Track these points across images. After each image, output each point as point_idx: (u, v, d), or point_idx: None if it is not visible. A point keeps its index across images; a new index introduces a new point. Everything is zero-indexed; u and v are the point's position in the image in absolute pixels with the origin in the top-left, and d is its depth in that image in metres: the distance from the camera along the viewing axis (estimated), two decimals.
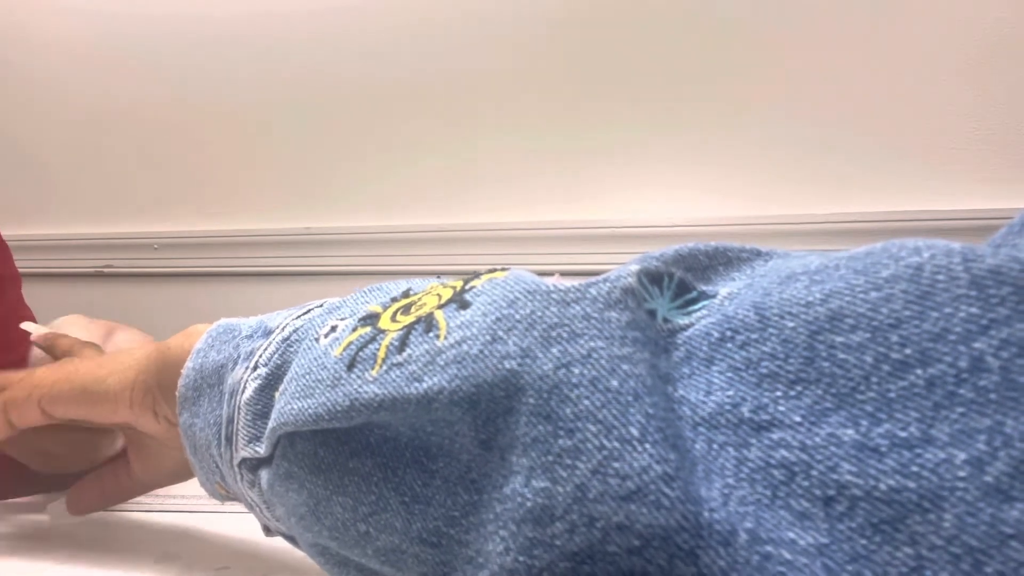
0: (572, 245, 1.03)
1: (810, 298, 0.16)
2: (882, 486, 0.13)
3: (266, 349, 0.25)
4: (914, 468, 0.13)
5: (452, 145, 1.08)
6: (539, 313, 0.18)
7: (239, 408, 0.24)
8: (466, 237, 1.06)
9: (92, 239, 1.20)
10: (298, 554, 0.24)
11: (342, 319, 0.23)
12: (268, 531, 0.27)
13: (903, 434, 0.14)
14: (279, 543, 0.26)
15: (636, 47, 1.02)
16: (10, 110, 1.23)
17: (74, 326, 0.41)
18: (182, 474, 0.34)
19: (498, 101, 1.06)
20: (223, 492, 0.27)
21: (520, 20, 1.04)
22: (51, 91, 1.21)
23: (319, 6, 1.10)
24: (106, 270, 1.19)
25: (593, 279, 0.19)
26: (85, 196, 1.21)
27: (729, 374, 0.16)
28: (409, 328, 0.20)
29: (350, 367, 0.20)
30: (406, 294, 0.23)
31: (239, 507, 0.27)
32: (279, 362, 0.24)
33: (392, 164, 1.10)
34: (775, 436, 0.15)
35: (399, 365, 0.19)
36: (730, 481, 0.15)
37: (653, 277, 0.19)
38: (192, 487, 0.29)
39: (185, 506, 0.39)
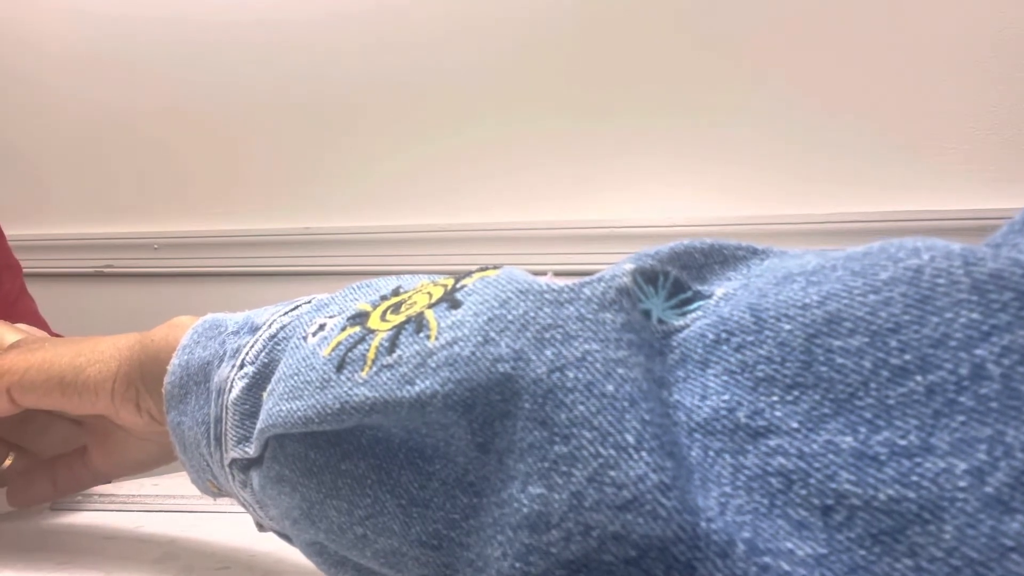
0: (572, 245, 1.03)
1: (807, 300, 0.16)
2: (881, 496, 0.13)
3: (252, 346, 0.24)
4: (914, 478, 0.13)
5: (451, 145, 1.08)
6: (532, 314, 0.18)
7: (226, 408, 0.24)
8: (466, 237, 1.06)
9: (92, 239, 1.20)
10: (298, 554, 0.23)
11: (330, 317, 0.22)
12: (261, 527, 0.26)
13: (902, 442, 0.13)
14: (279, 543, 0.26)
15: (634, 47, 1.02)
16: (11, 111, 1.23)
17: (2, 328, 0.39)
18: (148, 464, 0.34)
19: (497, 102, 1.06)
20: (215, 490, 0.27)
21: (518, 21, 1.04)
22: (52, 92, 1.21)
23: (318, 10, 1.10)
24: (106, 270, 1.19)
25: (587, 278, 0.18)
26: (85, 196, 1.21)
27: (724, 377, 0.16)
28: (399, 328, 0.19)
29: (339, 368, 0.19)
30: (396, 292, 0.22)
31: (239, 507, 0.27)
32: (266, 360, 0.23)
33: (391, 164, 1.10)
34: (772, 443, 0.15)
35: (390, 367, 0.18)
36: (727, 490, 0.15)
37: (648, 276, 0.18)
38: (191, 486, 0.29)
39: (185, 506, 0.39)
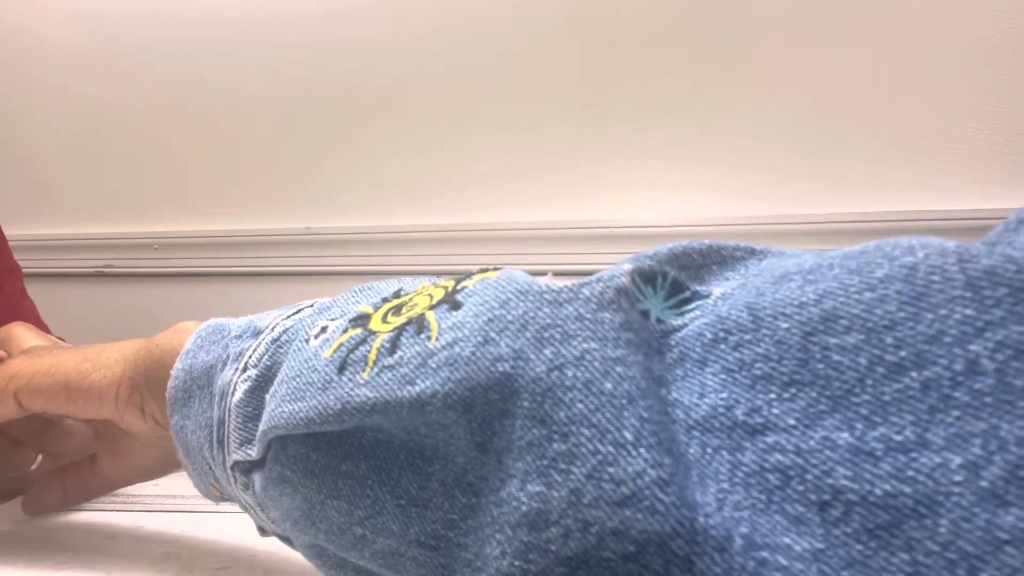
0: (572, 245, 1.03)
1: (804, 298, 0.16)
2: (877, 491, 0.13)
3: (255, 350, 0.24)
4: (909, 473, 0.13)
5: (451, 145, 1.08)
6: (531, 314, 0.18)
7: (229, 410, 0.24)
8: (465, 237, 1.06)
9: (92, 239, 1.20)
10: (299, 555, 0.24)
11: (332, 319, 0.23)
12: (263, 531, 0.27)
13: (898, 438, 0.14)
14: (280, 543, 0.26)
15: (635, 47, 1.02)
16: (11, 111, 1.23)
17: (26, 331, 0.39)
18: (155, 471, 0.34)
19: (497, 102, 1.06)
20: (217, 494, 0.27)
21: (517, 22, 1.04)
22: (52, 92, 1.21)
23: (318, 9, 1.10)
24: (106, 270, 1.20)
25: (586, 279, 0.18)
26: (85, 196, 1.21)
27: (722, 376, 0.16)
28: (400, 329, 0.20)
29: (341, 369, 0.20)
30: (397, 294, 0.23)
31: (238, 507, 0.27)
32: (269, 363, 0.24)
33: (391, 164, 1.10)
34: (769, 440, 0.15)
35: (391, 367, 0.19)
36: (724, 486, 0.15)
37: (646, 277, 0.18)
38: (192, 487, 0.29)
39: (185, 506, 0.39)
